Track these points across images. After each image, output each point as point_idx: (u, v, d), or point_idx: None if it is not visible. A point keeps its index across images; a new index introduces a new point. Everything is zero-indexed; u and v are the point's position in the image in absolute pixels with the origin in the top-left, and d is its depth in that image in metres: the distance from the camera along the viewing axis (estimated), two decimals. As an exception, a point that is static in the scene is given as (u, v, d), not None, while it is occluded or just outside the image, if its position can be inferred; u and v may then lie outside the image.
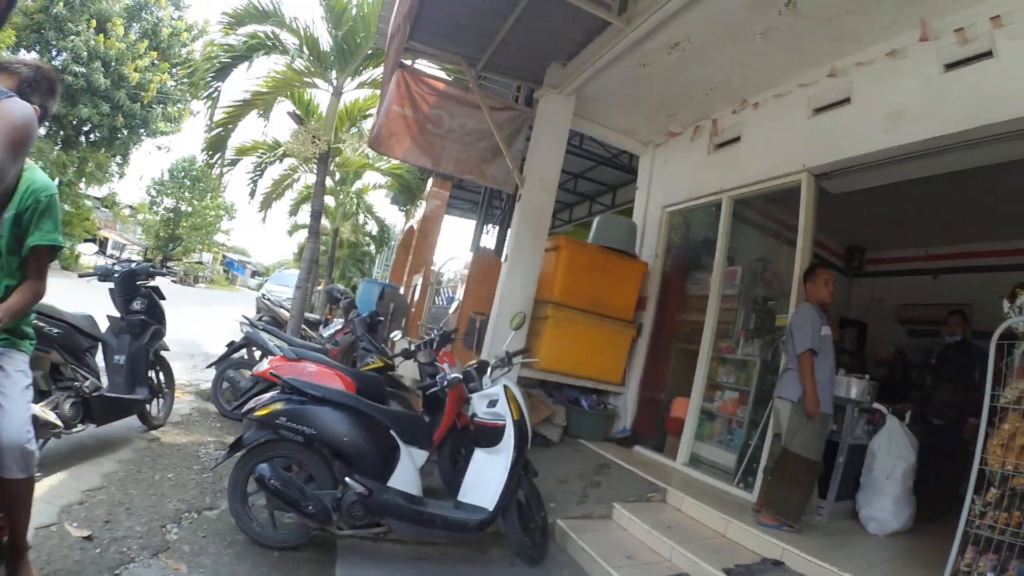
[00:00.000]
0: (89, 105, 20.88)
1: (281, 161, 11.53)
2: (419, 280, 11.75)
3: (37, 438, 3.58)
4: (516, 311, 4.63)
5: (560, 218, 14.48)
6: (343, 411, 3.43)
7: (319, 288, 13.76)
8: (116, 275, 4.78)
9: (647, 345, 7.25)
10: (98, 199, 28.70)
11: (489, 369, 3.98)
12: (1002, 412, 3.32)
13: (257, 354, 6.01)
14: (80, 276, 5.33)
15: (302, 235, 8.14)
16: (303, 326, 8.04)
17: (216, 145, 8.91)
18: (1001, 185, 5.70)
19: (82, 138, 23.33)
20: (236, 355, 6.30)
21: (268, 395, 3.47)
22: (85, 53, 20.00)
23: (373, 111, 9.53)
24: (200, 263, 43.62)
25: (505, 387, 3.83)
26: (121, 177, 27.18)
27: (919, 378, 7.49)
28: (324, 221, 17.52)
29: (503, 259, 6.77)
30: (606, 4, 5.23)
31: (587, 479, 5.38)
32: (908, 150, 4.71)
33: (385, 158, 13.79)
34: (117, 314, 4.81)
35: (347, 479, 3.33)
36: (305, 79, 8.85)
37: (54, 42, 20.12)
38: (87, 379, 4.12)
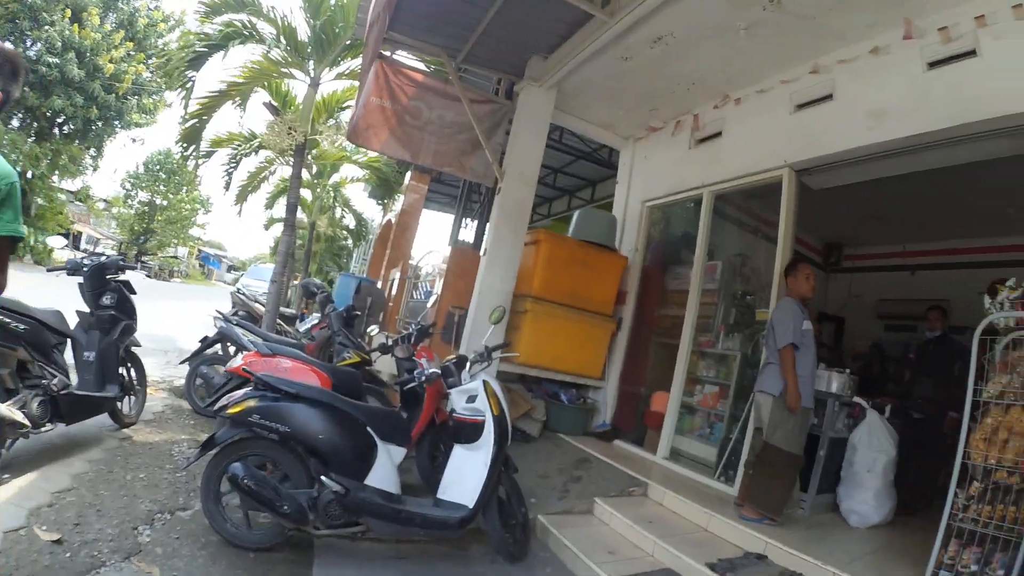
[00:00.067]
0: (63, 96, 20.56)
1: (257, 153, 11.36)
2: (397, 274, 11.66)
3: (4, 438, 3.51)
4: (495, 305, 4.57)
5: (539, 212, 14.46)
6: (318, 408, 3.36)
7: (295, 282, 13.60)
8: (85, 269, 4.64)
9: (627, 339, 7.26)
10: (71, 193, 28.23)
11: (468, 364, 3.93)
12: (984, 406, 3.35)
13: (232, 349, 5.91)
14: (49, 270, 5.18)
15: (278, 229, 8.03)
16: (279, 321, 7.93)
17: (191, 137, 8.74)
18: (982, 183, 5.80)
19: (56, 130, 22.98)
20: (210, 351, 6.18)
21: (241, 392, 3.38)
22: (59, 43, 19.66)
23: (351, 103, 9.43)
24: (175, 257, 42.97)
25: (484, 382, 3.78)
26: (95, 170, 26.87)
27: (896, 372, 7.57)
28: (301, 215, 17.33)
29: (482, 253, 6.73)
30: (588, -4, 5.19)
31: (567, 474, 5.37)
32: (890, 147, 4.75)
33: (363, 151, 13.68)
34: (87, 309, 4.68)
35: (323, 478, 3.26)
36: (282, 69, 8.70)
37: (28, 32, 19.74)
38: (55, 377, 3.99)
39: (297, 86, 9.66)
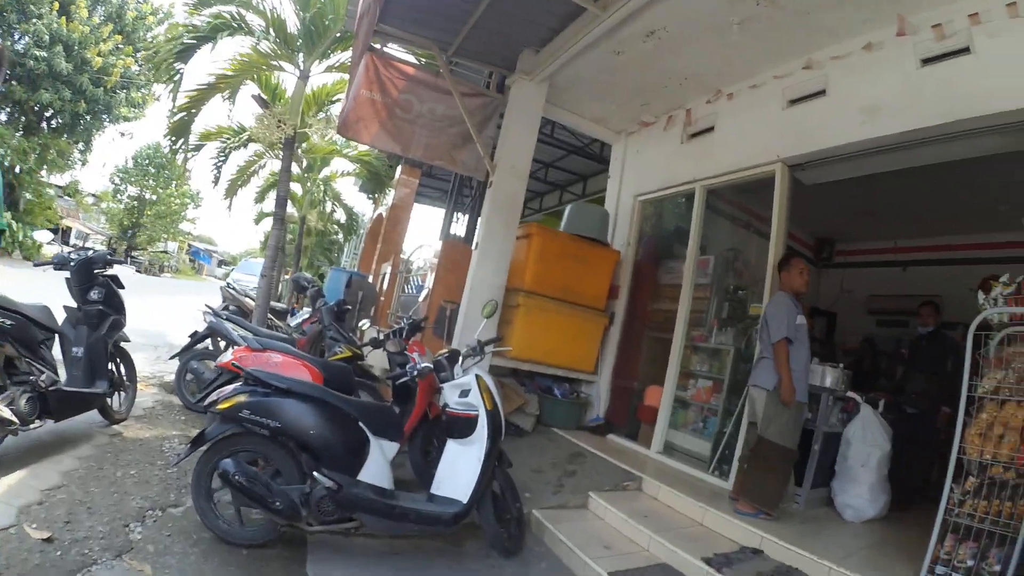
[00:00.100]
0: (51, 90, 20.38)
1: (246, 147, 11.27)
2: (388, 269, 11.62)
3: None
4: (487, 299, 4.56)
5: (530, 207, 14.46)
6: (309, 403, 3.33)
7: (286, 277, 13.53)
8: (72, 264, 4.58)
9: (619, 333, 7.26)
10: (60, 188, 27.99)
11: (460, 358, 3.91)
12: (979, 402, 3.36)
13: (223, 344, 5.86)
14: (36, 265, 5.12)
15: (269, 223, 7.96)
16: (270, 315, 7.88)
17: (179, 130, 8.66)
18: (975, 180, 5.84)
19: (44, 124, 22.78)
20: (201, 346, 6.14)
21: (231, 387, 3.35)
22: (47, 37, 19.45)
23: (341, 96, 9.38)
24: (165, 252, 42.66)
25: (477, 376, 3.77)
26: (84, 164, 26.66)
27: (888, 367, 7.64)
28: (291, 209, 17.25)
29: (474, 247, 6.70)
30: (581, -12, 5.16)
31: (562, 468, 5.36)
32: (883, 143, 4.76)
33: (353, 145, 13.61)
34: (74, 304, 4.63)
35: (315, 473, 3.24)
36: (271, 62, 8.63)
37: (16, 25, 19.52)
38: (43, 373, 3.93)
39: (287, 79, 9.58)
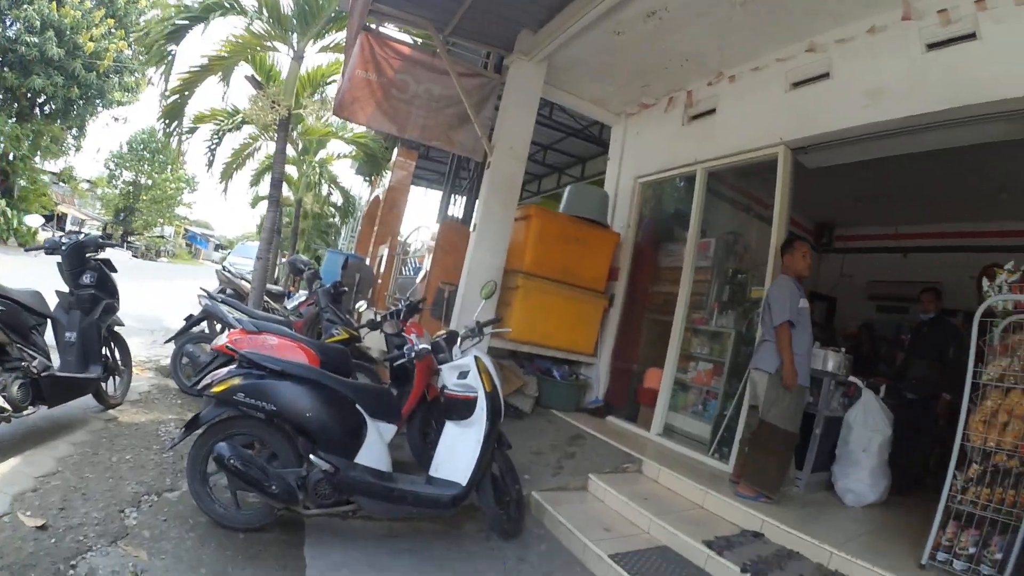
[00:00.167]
0: (43, 76, 20.14)
1: (239, 129, 11.15)
2: (385, 251, 11.56)
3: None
4: (486, 281, 4.50)
5: (528, 189, 14.39)
6: (305, 385, 3.28)
7: (283, 260, 13.47)
8: (64, 248, 4.51)
9: (619, 316, 7.23)
10: (55, 174, 27.81)
11: (459, 340, 3.87)
12: (984, 389, 3.35)
13: (219, 327, 5.81)
14: (27, 250, 5.05)
15: (265, 207, 7.87)
16: (266, 298, 7.81)
17: (173, 113, 8.54)
18: (978, 167, 5.83)
19: (36, 110, 22.55)
20: (196, 329, 6.09)
21: (225, 370, 3.29)
22: (38, 22, 19.21)
23: (336, 77, 9.26)
24: (161, 237, 42.47)
25: (476, 358, 3.71)
26: (78, 150, 26.44)
27: (888, 353, 7.63)
28: (287, 192, 17.14)
29: (472, 228, 6.64)
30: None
31: (561, 450, 5.34)
32: (887, 127, 4.72)
33: (349, 127, 13.49)
34: (66, 289, 4.56)
35: (312, 456, 3.20)
36: (265, 43, 8.49)
37: (7, 11, 19.29)
38: (35, 358, 3.87)
39: (281, 60, 9.45)
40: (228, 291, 7.85)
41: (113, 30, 21.69)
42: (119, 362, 5.04)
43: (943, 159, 5.18)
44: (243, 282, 8.12)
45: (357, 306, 6.46)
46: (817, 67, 5.24)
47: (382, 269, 11.23)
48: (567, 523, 3.99)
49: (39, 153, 22.84)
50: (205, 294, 5.84)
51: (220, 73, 8.60)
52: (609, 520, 4.21)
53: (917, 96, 4.40)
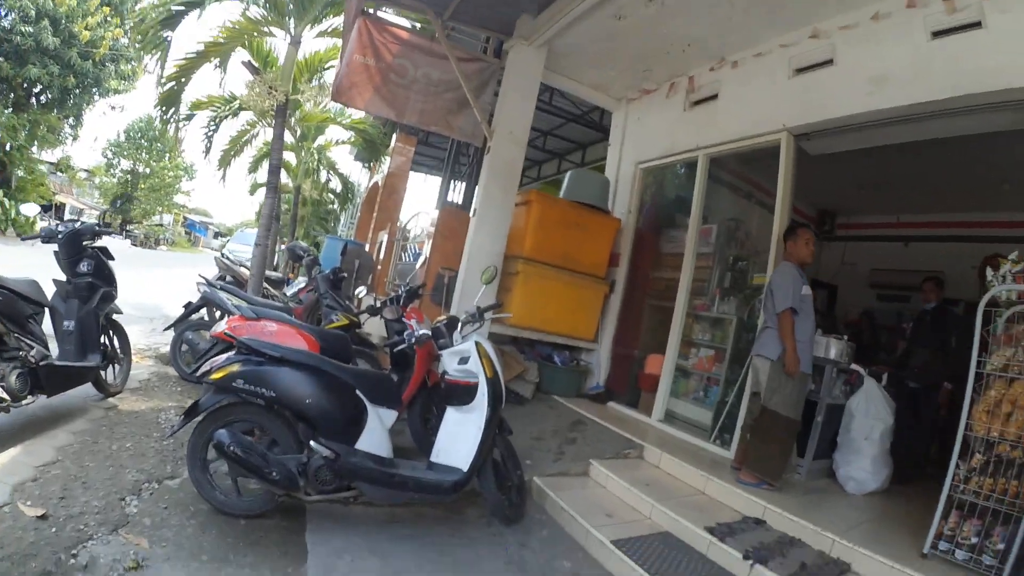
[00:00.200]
0: (38, 65, 19.99)
1: (236, 115, 11.08)
2: (384, 237, 11.53)
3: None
4: (486, 266, 4.47)
5: (528, 175, 14.32)
6: (304, 371, 3.25)
7: (282, 247, 13.45)
8: (60, 236, 4.48)
9: (620, 301, 7.21)
10: (52, 164, 27.68)
11: (459, 325, 3.84)
12: (987, 379, 3.33)
13: (218, 314, 5.80)
14: (23, 239, 5.02)
15: (264, 194, 7.82)
16: (265, 285, 7.78)
17: (170, 100, 8.48)
18: (981, 157, 5.77)
19: (32, 100, 22.40)
20: (196, 316, 6.07)
21: (223, 357, 3.27)
22: (33, 12, 19.05)
23: (334, 63, 9.18)
24: (160, 225, 42.37)
25: (477, 343, 3.68)
26: (75, 139, 26.35)
27: (889, 341, 7.61)
28: (285, 179, 17.06)
29: (472, 214, 6.61)
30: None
31: (562, 436, 5.33)
32: (891, 114, 4.69)
33: (348, 113, 13.43)
34: (63, 278, 4.53)
35: (312, 443, 3.18)
36: (262, 28, 8.41)
37: (2, 2, 19.08)
38: (32, 348, 3.85)
39: (278, 45, 9.36)
40: (227, 278, 7.82)
41: (109, 18, 21.51)
42: (118, 350, 5.01)
43: (947, 148, 5.15)
44: (242, 269, 8.09)
45: (357, 292, 6.43)
46: (820, 53, 5.19)
47: (382, 255, 11.20)
48: (569, 509, 3.99)
49: (36, 143, 22.72)
50: (204, 281, 5.81)
51: (217, 59, 8.53)
52: (611, 506, 4.21)
53: (921, 84, 4.36)
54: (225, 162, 13.27)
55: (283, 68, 8.50)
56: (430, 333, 3.74)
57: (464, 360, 3.63)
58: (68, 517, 2.91)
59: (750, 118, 5.77)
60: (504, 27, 6.61)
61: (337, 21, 8.48)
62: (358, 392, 3.39)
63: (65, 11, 19.88)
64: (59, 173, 30.09)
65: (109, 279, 4.72)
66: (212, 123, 10.54)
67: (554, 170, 13.70)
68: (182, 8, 7.63)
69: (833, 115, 5.04)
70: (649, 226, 7.35)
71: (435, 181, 16.30)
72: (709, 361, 5.96)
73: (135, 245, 33.03)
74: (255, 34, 8.57)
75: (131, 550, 2.77)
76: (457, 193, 11.19)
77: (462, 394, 3.61)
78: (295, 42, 8.41)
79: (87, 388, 4.59)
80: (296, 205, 18.90)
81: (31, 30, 19.22)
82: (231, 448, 3.05)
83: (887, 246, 8.83)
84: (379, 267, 10.75)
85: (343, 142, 17.20)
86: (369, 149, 14.30)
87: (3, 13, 19.36)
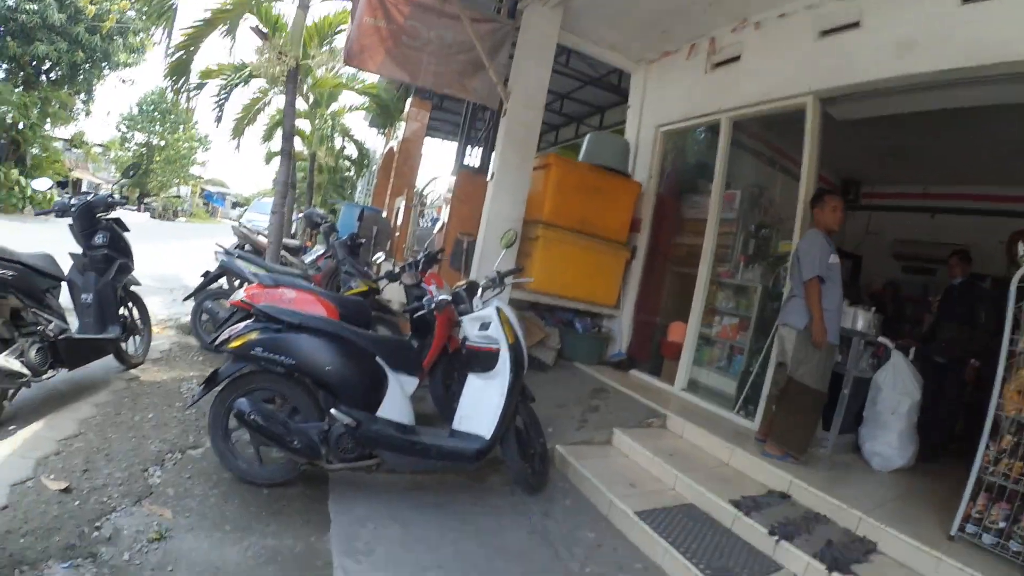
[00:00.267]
0: (46, 42, 19.89)
1: (247, 83, 10.94)
2: (402, 203, 11.45)
3: (5, 389, 3.38)
4: (504, 231, 4.38)
5: (546, 140, 14.08)
6: (324, 338, 3.20)
7: (299, 215, 13.41)
8: (73, 209, 4.44)
9: (642, 268, 7.10)
10: (66, 140, 27.71)
11: (480, 290, 3.75)
12: (1020, 357, 3.21)
13: (237, 283, 5.77)
14: (37, 214, 4.99)
15: (279, 163, 7.72)
16: (283, 252, 7.73)
17: (179, 70, 8.34)
18: (1012, 128, 5.49)
19: (42, 77, 22.31)
20: (215, 285, 6.07)
21: (242, 325, 3.22)
22: (38, -12, 18.90)
23: (344, 27, 8.98)
24: (178, 197, 42.47)
25: (498, 309, 3.61)
26: (87, 115, 26.22)
27: (913, 314, 7.45)
28: (300, 146, 16.95)
29: (489, 178, 6.49)
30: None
31: (585, 404, 5.28)
32: (920, 80, 4.49)
33: (361, 78, 13.25)
34: (79, 251, 4.50)
35: (333, 411, 3.14)
36: (268, -7, 8.24)
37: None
38: (51, 322, 3.82)
39: (287, 10, 9.19)
40: (246, 247, 7.78)
41: (114, -10, 21.36)
42: (138, 321, 5.00)
43: (977, 117, 4.96)
44: (260, 237, 8.04)
45: (375, 258, 6.37)
46: (847, 15, 4.97)
47: (399, 221, 11.13)
48: (592, 478, 3.94)
49: (48, 120, 22.68)
50: (222, 250, 5.77)
51: (226, 25, 8.37)
52: (634, 475, 4.16)
53: (951, 49, 4.16)
54: (239, 131, 13.15)
55: (292, 33, 8.33)
56: (450, 298, 3.66)
57: (485, 326, 3.56)
58: (91, 490, 2.90)
59: (774, 81, 5.56)
60: (518, -14, 6.40)
61: (346, -17, 8.28)
62: (378, 359, 3.34)
63: (69, -14, 19.73)
64: (74, 149, 30.10)
65: (125, 251, 4.69)
66: (223, 91, 10.40)
67: (572, 134, 13.46)
68: (187, -27, 7.48)
69: (860, 79, 4.84)
70: (671, 191, 7.20)
71: (451, 146, 16.12)
72: (733, 329, 5.85)
73: (154, 218, 33.18)
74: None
75: (154, 521, 2.76)
76: (473, 158, 11.02)
77: (484, 360, 3.55)
78: (303, 6, 8.22)
79: (109, 360, 4.58)
80: (312, 172, 18.81)
81: (36, 7, 19.10)
82: (251, 417, 3.01)
83: (913, 217, 8.61)
84: (397, 233, 10.69)
85: (357, 108, 17.04)
86: (383, 114, 14.14)
87: (8, -8, 19.24)
